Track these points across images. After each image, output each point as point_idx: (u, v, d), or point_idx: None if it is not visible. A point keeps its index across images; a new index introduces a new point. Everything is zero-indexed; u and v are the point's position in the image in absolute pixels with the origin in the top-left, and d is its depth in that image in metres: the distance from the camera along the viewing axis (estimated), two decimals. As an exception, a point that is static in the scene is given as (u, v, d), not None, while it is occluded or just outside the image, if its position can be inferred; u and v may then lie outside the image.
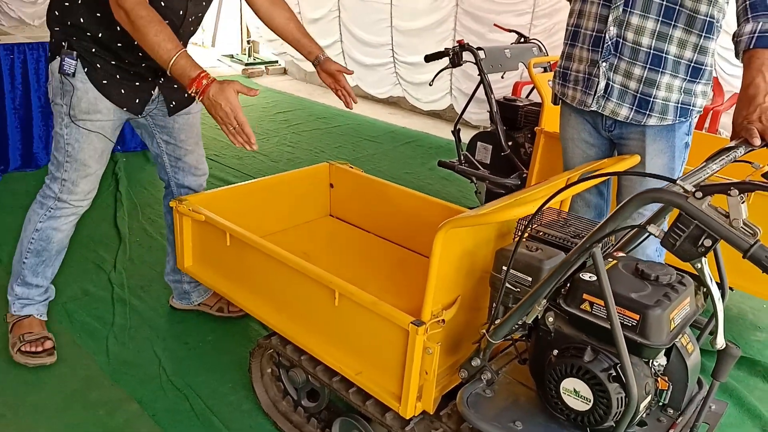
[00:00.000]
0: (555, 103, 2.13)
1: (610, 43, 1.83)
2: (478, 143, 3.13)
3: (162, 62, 1.65)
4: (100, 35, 1.86)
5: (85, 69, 1.87)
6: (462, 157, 3.12)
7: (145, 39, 1.64)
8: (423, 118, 6.09)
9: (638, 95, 1.84)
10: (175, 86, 2.05)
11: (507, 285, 1.35)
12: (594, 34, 1.86)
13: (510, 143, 2.98)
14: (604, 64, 1.86)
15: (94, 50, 1.88)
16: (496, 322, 1.32)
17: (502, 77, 3.59)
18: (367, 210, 2.40)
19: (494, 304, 1.39)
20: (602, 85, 1.87)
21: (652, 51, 1.79)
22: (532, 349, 1.40)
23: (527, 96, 3.43)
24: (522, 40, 3.31)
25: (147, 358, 2.22)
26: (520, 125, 3.06)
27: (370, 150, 4.95)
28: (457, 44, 2.88)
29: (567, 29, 2.00)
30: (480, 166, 2.96)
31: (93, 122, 1.92)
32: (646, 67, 1.80)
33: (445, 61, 2.97)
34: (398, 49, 5.57)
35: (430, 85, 3.08)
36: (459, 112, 5.51)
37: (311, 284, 1.62)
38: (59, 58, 1.87)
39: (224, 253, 1.90)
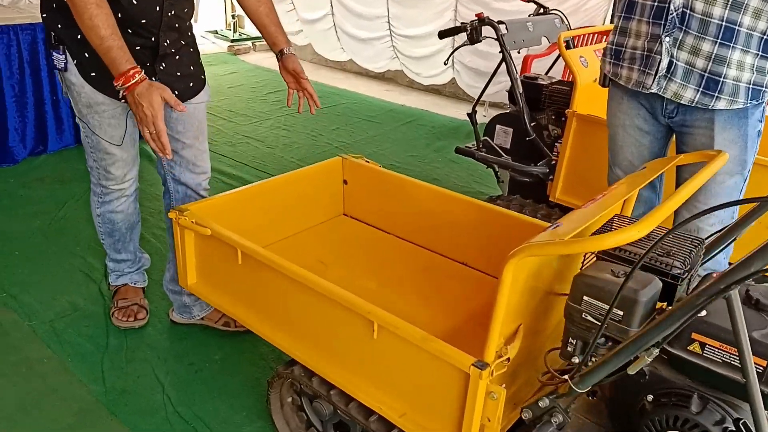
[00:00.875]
0: (604, 84, 1.88)
1: (675, 14, 1.58)
2: (497, 126, 2.87)
3: (95, 48, 1.59)
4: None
5: (75, 61, 1.78)
6: (481, 143, 2.86)
7: (81, 21, 1.58)
8: (421, 94, 5.80)
9: (706, 74, 1.60)
10: (178, 73, 1.89)
11: (588, 318, 1.12)
12: (656, 4, 1.61)
13: (532, 125, 2.72)
14: (667, 39, 1.60)
15: (80, 37, 1.69)
16: (583, 368, 1.09)
17: (518, 52, 3.31)
18: (385, 208, 2.15)
19: (571, 340, 1.17)
20: (665, 63, 1.62)
21: (724, 23, 1.54)
22: (614, 388, 1.18)
23: (546, 73, 3.16)
24: (542, 11, 3.03)
25: (148, 385, 1.98)
26: (543, 106, 2.80)
27: (370, 131, 4.67)
28: (475, 18, 2.60)
29: (620, 0, 1.74)
30: (502, 152, 2.71)
31: (99, 114, 1.86)
32: (716, 42, 1.56)
33: (461, 37, 2.69)
34: (395, 21, 5.25)
35: (445, 63, 2.81)
36: (462, 87, 5.27)
37: (344, 312, 1.38)
38: (50, 54, 1.79)
39: (235, 271, 1.65)
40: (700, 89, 1.61)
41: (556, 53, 4.44)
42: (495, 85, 4.91)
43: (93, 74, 1.78)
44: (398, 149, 4.32)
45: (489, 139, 2.78)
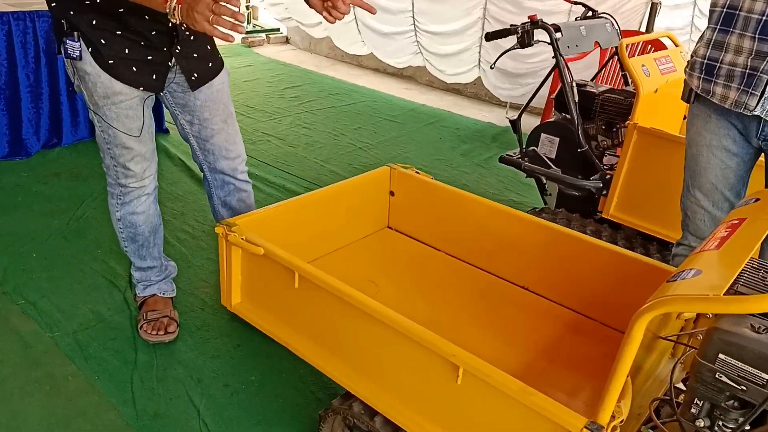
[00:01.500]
0: (689, 100, 1.74)
1: (785, 31, 1.43)
2: (543, 135, 2.72)
3: None
4: (98, 0, 1.60)
5: (90, 49, 1.66)
6: (525, 152, 2.71)
7: None
8: (441, 94, 5.65)
9: (814, 97, 1.46)
10: (195, 55, 1.77)
11: (723, 378, 0.98)
12: (764, 18, 1.46)
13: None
14: (775, 57, 1.46)
15: (95, 22, 1.62)
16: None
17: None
18: (435, 223, 2.02)
19: (697, 401, 1.03)
20: (772, 84, 1.48)
21: None
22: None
23: (592, 80, 3.01)
24: (590, 14, 2.88)
25: (182, 408, 1.84)
26: (593, 115, 2.66)
27: (392, 131, 4.51)
28: (528, 20, 2.45)
29: (715, 11, 1.59)
30: (551, 164, 2.56)
31: (117, 104, 1.73)
32: None
33: (511, 40, 2.54)
34: (420, 16, 5.08)
35: (492, 68, 2.66)
36: (488, 87, 5.10)
37: (424, 353, 1.24)
38: (63, 42, 1.65)
39: (290, 295, 1.50)
40: (805, 111, 1.48)
41: (590, 58, 4.30)
42: (521, 87, 4.81)
43: (111, 62, 1.66)
44: (423, 152, 4.17)
45: (536, 149, 2.64)
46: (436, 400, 1.26)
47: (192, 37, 1.77)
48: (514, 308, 1.75)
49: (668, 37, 2.71)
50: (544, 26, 2.45)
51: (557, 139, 2.69)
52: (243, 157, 2.06)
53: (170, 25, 1.67)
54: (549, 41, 2.47)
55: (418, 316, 1.62)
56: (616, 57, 2.84)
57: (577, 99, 2.50)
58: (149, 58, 1.71)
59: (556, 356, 1.57)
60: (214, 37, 1.76)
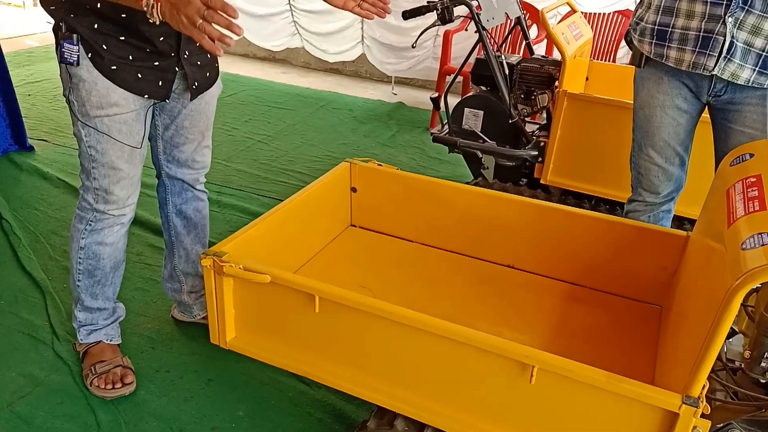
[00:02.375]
0: (639, 65, 1.81)
1: (740, -5, 1.53)
2: (466, 110, 2.74)
3: None
4: (99, 4, 1.46)
5: (89, 54, 1.51)
6: (451, 129, 2.72)
7: None
8: (322, 75, 5.50)
9: (764, 54, 1.59)
10: (199, 63, 1.64)
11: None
12: None
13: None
14: (730, 19, 1.56)
15: (96, 26, 1.49)
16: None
17: (466, 29, 3.19)
18: (406, 215, 1.95)
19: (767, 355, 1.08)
20: (727, 44, 1.58)
21: None
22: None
23: (499, 49, 3.07)
24: (492, -15, 2.92)
25: (174, 466, 1.63)
26: (513, 85, 2.71)
27: (286, 119, 4.31)
28: (447, -4, 2.42)
29: (664, -22, 1.66)
30: (486, 138, 2.58)
31: (110, 117, 1.57)
32: None
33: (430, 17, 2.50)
34: (293, -4, 4.87)
35: (413, 47, 2.60)
36: (373, 63, 5.02)
37: (486, 358, 1.19)
38: (60, 45, 1.50)
39: (308, 320, 1.36)
40: (757, 69, 1.60)
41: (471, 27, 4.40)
42: (407, 60, 4.82)
43: (114, 67, 1.52)
44: (326, 137, 4.03)
45: (470, 126, 2.64)
46: (503, 403, 1.22)
47: (197, 44, 1.55)
48: (514, 289, 1.75)
49: (567, 4, 2.83)
50: (464, 1, 2.44)
51: (481, 112, 2.72)
52: (207, 168, 1.91)
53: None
54: (469, 16, 2.47)
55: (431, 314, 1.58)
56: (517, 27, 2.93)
57: (501, 71, 2.52)
58: (156, 64, 1.56)
59: (572, 331, 1.59)
60: None
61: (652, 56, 1.75)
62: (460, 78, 3.82)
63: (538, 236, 1.77)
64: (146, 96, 1.60)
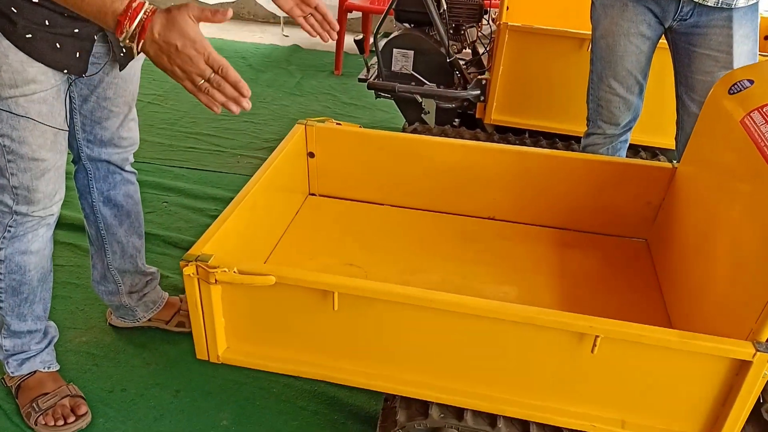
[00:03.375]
0: (603, -7, 1.73)
1: None
2: (395, 51, 2.55)
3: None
4: None
5: None
6: (381, 73, 2.52)
7: None
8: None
9: (732, -26, 1.56)
10: None
11: None
12: None
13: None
14: (702, -61, 1.50)
15: None
16: None
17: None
18: (374, 176, 1.78)
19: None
20: (699, -34, 1.53)
21: None
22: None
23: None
24: None
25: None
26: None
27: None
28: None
29: None
30: (425, 81, 2.42)
31: (27, 97, 1.26)
32: None
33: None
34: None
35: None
36: (260, 2, 4.57)
37: (541, 333, 1.09)
38: None
39: (323, 319, 1.18)
40: (727, -11, 1.58)
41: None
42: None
43: (29, 36, 1.19)
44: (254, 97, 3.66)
45: (401, 68, 2.46)
46: (558, 377, 1.14)
47: None
48: (502, 242, 1.66)
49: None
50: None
51: (411, 53, 2.55)
52: (136, 145, 1.63)
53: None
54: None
55: (432, 285, 1.46)
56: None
57: (439, 8, 2.35)
58: (75, 31, 1.25)
59: (573, 280, 1.54)
60: None
61: (613, -17, 1.68)
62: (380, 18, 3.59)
63: (518, 184, 1.69)
64: (65, 71, 1.29)
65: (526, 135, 2.56)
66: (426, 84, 2.42)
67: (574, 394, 1.16)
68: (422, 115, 2.49)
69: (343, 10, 3.85)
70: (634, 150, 2.33)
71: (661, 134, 2.17)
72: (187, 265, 1.15)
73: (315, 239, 1.67)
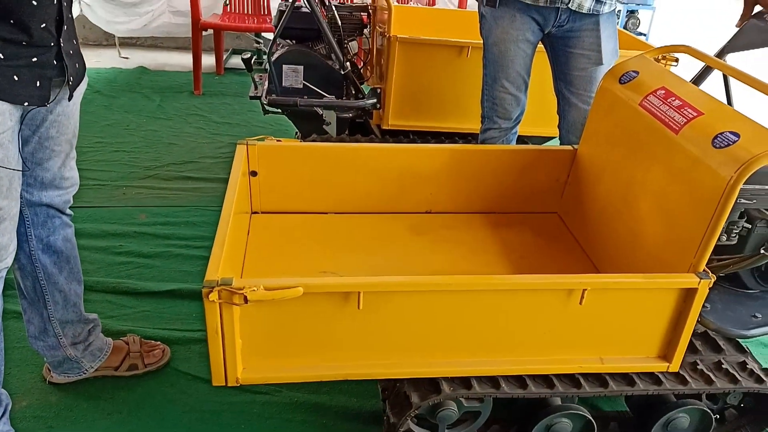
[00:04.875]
0: (494, 5, 1.99)
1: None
2: (285, 67, 2.61)
3: None
4: None
5: None
6: (271, 89, 2.57)
7: None
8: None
9: (599, -15, 1.91)
10: (71, 51, 1.31)
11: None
12: None
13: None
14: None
15: None
16: None
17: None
18: (318, 187, 1.86)
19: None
20: (576, -20, 1.85)
21: None
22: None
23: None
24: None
25: None
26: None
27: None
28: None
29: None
30: (324, 94, 2.51)
31: None
32: None
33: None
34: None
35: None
36: (96, 23, 4.22)
37: (540, 296, 1.28)
38: None
39: (346, 320, 1.25)
40: (596, -2, 1.92)
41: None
42: (139, 17, 4.25)
43: None
44: (81, 122, 3.39)
45: (292, 83, 2.53)
46: (549, 332, 1.33)
47: (72, 24, 1.26)
48: (447, 231, 1.83)
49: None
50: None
51: (301, 68, 2.64)
52: (77, 185, 1.54)
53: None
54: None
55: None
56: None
57: (332, 22, 2.47)
58: (34, 60, 1.20)
59: (518, 252, 1.76)
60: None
61: (510, -5, 1.94)
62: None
63: (451, 178, 1.87)
64: (26, 104, 1.21)
65: (411, 136, 2.77)
66: (326, 96, 2.52)
67: (562, 344, 1.36)
68: (324, 126, 2.58)
69: (198, 28, 3.78)
70: (522, 141, 2.66)
71: (543, 125, 2.51)
72: (211, 291, 1.15)
73: (277, 255, 1.70)
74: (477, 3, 2.12)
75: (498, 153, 1.87)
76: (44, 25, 1.17)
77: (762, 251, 1.38)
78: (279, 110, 2.66)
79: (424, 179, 1.86)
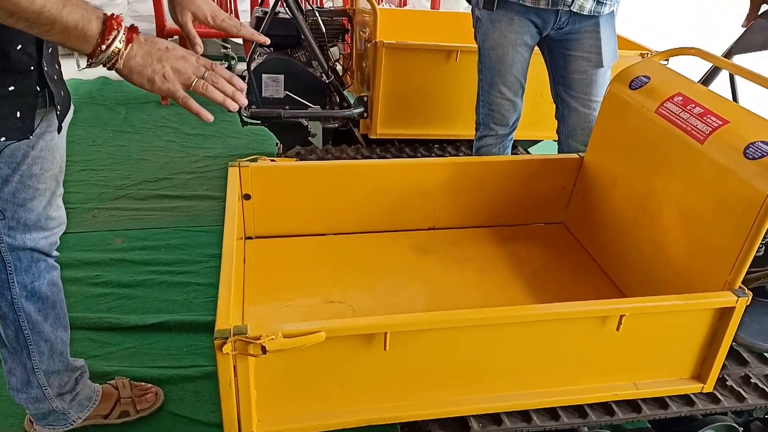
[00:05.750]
0: (491, 8, 1.90)
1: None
2: (264, 77, 2.47)
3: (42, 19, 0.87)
4: None
5: None
6: (259, 99, 2.44)
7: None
8: None
9: (600, -15, 1.84)
10: (56, 77, 1.18)
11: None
12: None
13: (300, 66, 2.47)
14: (578, -41, 1.74)
15: None
16: None
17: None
18: (316, 209, 1.75)
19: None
20: (578, -19, 1.78)
21: None
22: None
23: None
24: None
25: None
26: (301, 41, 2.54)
27: None
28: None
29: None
30: (309, 104, 2.38)
31: None
32: None
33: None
34: None
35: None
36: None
37: (576, 325, 1.20)
38: None
39: (370, 362, 1.15)
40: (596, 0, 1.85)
41: None
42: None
43: None
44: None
45: (290, 93, 2.40)
46: (580, 361, 1.26)
47: (50, 49, 1.11)
48: (453, 249, 1.74)
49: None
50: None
51: (281, 77, 2.51)
52: (64, 225, 1.40)
53: None
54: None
55: (418, 304, 1.50)
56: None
57: (306, 29, 2.34)
58: (11, 89, 1.07)
59: (531, 268, 1.68)
60: None
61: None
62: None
63: (455, 192, 1.78)
64: (2, 138, 1.07)
65: (397, 144, 2.67)
66: (310, 107, 2.40)
67: (595, 371, 1.29)
68: (309, 137, 2.46)
69: (163, 35, 3.60)
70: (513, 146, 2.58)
71: (530, 128, 2.44)
72: (224, 343, 1.03)
73: (279, 284, 1.58)
74: (471, 6, 2.03)
75: (501, 164, 1.79)
76: (20, 46, 1.03)
77: (793, 263, 1.33)
78: (259, 122, 2.53)
79: (427, 194, 1.77)
